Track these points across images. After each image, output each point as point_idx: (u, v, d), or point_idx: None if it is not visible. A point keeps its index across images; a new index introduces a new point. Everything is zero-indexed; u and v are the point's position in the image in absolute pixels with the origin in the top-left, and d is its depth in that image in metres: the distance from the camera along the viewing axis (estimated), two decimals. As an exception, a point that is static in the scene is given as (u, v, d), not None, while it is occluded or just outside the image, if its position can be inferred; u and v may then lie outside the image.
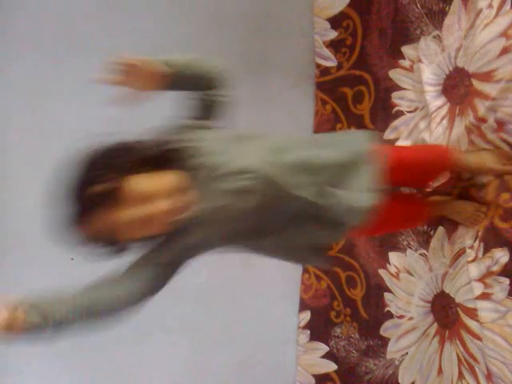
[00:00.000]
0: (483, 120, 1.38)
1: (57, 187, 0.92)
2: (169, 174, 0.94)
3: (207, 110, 1.04)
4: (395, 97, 1.75)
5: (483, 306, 1.38)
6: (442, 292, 1.54)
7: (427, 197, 1.54)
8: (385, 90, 1.79)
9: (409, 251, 1.67)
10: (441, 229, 1.55)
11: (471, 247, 1.43)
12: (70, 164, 0.92)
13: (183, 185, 0.94)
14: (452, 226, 1.51)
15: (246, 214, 0.98)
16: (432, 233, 1.58)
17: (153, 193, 0.92)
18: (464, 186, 1.48)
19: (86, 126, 1.70)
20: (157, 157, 0.95)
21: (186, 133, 1.00)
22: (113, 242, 0.95)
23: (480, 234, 1.42)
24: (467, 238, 1.45)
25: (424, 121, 1.62)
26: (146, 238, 0.97)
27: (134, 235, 0.94)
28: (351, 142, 1.15)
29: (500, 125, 1.35)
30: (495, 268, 1.36)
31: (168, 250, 1.00)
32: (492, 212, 1.40)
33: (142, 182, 0.92)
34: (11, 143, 1.67)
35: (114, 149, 0.94)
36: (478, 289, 1.40)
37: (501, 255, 1.35)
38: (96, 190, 0.88)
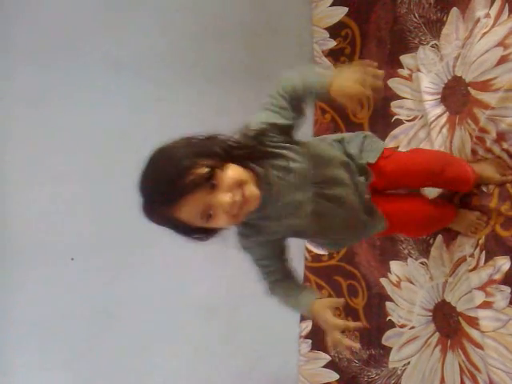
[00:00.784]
0: (485, 131, 1.38)
1: (150, 171, 0.96)
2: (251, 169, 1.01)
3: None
4: (394, 106, 1.75)
5: (484, 315, 1.38)
6: (443, 301, 1.54)
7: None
8: (384, 99, 1.79)
9: (410, 260, 1.66)
10: (439, 237, 1.55)
11: (472, 255, 1.43)
12: (164, 151, 0.97)
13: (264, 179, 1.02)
14: (450, 234, 1.51)
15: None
16: (431, 241, 1.58)
17: (245, 179, 0.97)
18: (465, 194, 1.47)
19: (88, 133, 1.74)
20: (244, 154, 1.01)
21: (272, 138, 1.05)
22: (204, 226, 0.98)
23: (481, 242, 1.41)
24: (467, 246, 1.44)
25: (423, 130, 1.63)
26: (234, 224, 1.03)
27: (228, 219, 0.97)
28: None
29: (501, 135, 1.35)
30: (497, 276, 1.35)
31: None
32: (493, 221, 1.39)
33: (236, 170, 0.97)
34: (12, 148, 1.68)
35: (207, 139, 1.00)
36: (480, 297, 1.39)
37: (502, 263, 1.35)
38: (197, 173, 0.92)
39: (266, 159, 1.03)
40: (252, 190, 0.97)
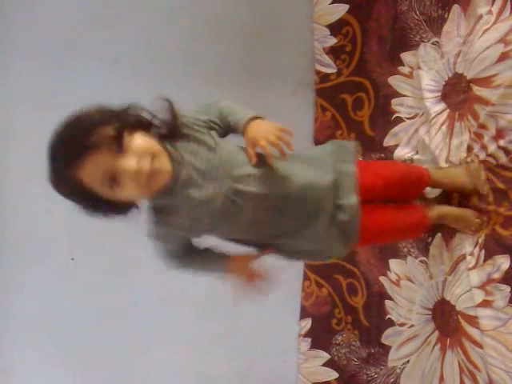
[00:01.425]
0: (484, 127, 1.38)
1: (57, 132, 0.93)
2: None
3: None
4: (395, 103, 1.75)
5: (484, 314, 1.37)
6: (443, 299, 1.53)
7: (426, 204, 1.54)
8: (384, 97, 1.79)
9: (409, 258, 1.66)
10: (439, 235, 1.54)
11: (471, 254, 1.42)
12: (75, 113, 0.94)
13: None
14: (450, 232, 1.50)
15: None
16: (430, 240, 1.57)
17: (156, 151, 0.94)
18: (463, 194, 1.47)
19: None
20: (167, 129, 0.99)
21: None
22: (110, 197, 0.94)
23: (481, 241, 1.41)
24: (467, 244, 1.44)
25: (424, 127, 1.62)
26: (139, 198, 0.99)
27: (134, 188, 0.93)
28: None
29: (500, 132, 1.35)
30: (496, 275, 1.35)
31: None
32: (493, 220, 1.39)
33: (148, 140, 0.94)
34: (12, 147, 1.69)
35: (124, 108, 0.97)
36: (479, 296, 1.38)
37: (502, 262, 1.34)
38: (104, 132, 0.89)
39: (183, 140, 1.00)
40: (163, 162, 0.94)
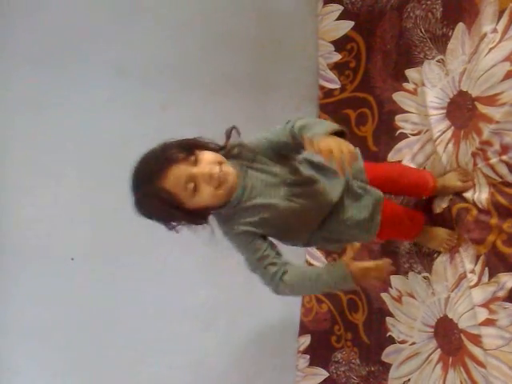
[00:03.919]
0: (488, 143, 1.38)
1: (139, 161, 1.13)
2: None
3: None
4: (399, 119, 1.75)
5: (488, 333, 1.35)
6: (446, 316, 1.51)
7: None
8: (388, 113, 1.79)
9: (411, 274, 1.64)
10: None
11: (472, 271, 1.41)
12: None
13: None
14: (453, 248, 1.49)
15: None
16: (436, 255, 1.56)
17: (222, 160, 1.15)
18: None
19: (90, 138, 1.73)
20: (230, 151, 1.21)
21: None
22: (191, 206, 1.12)
23: (482, 258, 1.40)
24: (466, 262, 1.43)
25: (428, 144, 1.62)
26: (216, 204, 1.16)
27: (211, 192, 1.11)
28: None
29: (505, 148, 1.35)
30: (500, 293, 1.33)
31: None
32: (494, 237, 1.37)
33: (214, 153, 1.16)
34: (12, 148, 1.69)
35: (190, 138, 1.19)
36: (482, 314, 1.37)
37: (506, 280, 1.33)
38: (179, 150, 1.11)
39: (244, 159, 1.21)
40: (229, 167, 1.15)
